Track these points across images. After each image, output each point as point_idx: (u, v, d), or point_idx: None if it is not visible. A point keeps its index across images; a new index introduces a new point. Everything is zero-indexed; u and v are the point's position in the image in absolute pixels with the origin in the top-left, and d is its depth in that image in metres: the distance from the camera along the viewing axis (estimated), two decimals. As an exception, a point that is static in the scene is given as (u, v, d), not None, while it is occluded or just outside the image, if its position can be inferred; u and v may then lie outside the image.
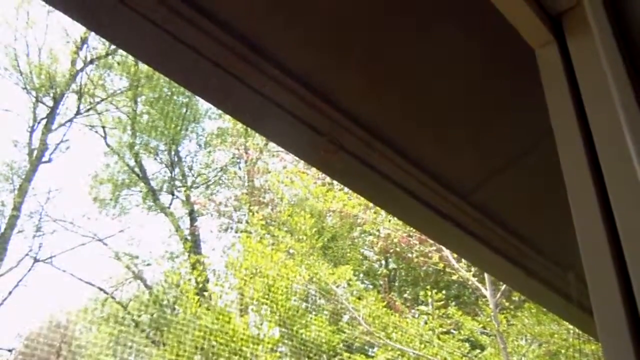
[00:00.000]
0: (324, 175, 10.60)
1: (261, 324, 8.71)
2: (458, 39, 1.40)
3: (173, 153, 13.73)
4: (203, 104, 13.86)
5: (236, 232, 12.18)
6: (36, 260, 11.31)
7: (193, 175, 14.02)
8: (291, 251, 9.37)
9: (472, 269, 9.11)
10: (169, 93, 13.34)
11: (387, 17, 1.37)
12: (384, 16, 1.36)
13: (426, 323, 9.35)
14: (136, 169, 13.42)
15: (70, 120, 12.64)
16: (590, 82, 0.85)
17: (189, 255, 11.22)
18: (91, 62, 12.95)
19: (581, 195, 0.81)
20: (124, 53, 12.90)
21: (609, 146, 0.81)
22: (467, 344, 9.09)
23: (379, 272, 12.05)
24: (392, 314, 8.93)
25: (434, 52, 1.46)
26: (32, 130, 12.19)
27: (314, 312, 9.11)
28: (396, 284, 12.40)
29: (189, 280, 9.44)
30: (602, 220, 0.78)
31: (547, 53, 0.94)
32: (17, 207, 11.22)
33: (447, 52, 1.46)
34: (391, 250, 10.72)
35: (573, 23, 0.92)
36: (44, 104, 12.44)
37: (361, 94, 1.53)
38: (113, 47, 12.75)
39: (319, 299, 9.27)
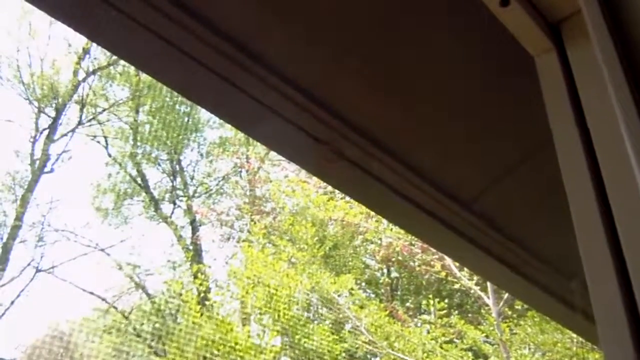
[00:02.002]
0: (325, 184, 10.59)
1: (263, 333, 8.68)
2: (458, 46, 1.40)
3: (175, 162, 13.73)
4: (204, 114, 13.88)
5: (238, 241, 12.16)
6: (38, 270, 11.30)
7: (194, 185, 14.02)
8: (293, 260, 9.35)
9: (475, 277, 9.08)
10: (171, 103, 13.36)
11: (387, 25, 1.37)
12: (383, 24, 1.36)
13: (429, 332, 9.30)
14: (138, 179, 13.43)
15: (72, 131, 12.67)
16: (590, 90, 0.85)
17: (190, 265, 11.20)
18: (93, 72, 12.99)
19: (582, 204, 0.81)
20: (126, 63, 12.96)
21: (609, 154, 0.80)
22: (470, 353, 9.04)
23: (381, 281, 12.00)
24: (394, 323, 8.89)
25: (434, 59, 1.46)
26: (34, 141, 12.22)
27: (315, 321, 9.08)
28: (398, 292, 12.35)
29: (191, 289, 9.41)
30: (604, 228, 0.78)
31: (546, 61, 0.93)
32: (19, 217, 11.23)
33: (447, 59, 1.46)
34: (393, 259, 10.69)
35: (572, 30, 0.91)
36: (46, 114, 12.48)
37: (361, 102, 1.53)
38: (115, 57, 12.81)
39: (321, 308, 9.24)
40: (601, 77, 0.83)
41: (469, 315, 10.42)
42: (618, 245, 0.76)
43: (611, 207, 0.79)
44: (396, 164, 1.63)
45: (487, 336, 8.99)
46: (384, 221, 9.91)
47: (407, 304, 11.57)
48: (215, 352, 7.80)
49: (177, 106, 13.38)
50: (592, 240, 0.78)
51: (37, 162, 11.95)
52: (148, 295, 11.77)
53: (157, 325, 10.05)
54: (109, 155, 13.40)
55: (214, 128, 14.21)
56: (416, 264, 10.27)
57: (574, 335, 7.74)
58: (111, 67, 13.05)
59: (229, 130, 13.77)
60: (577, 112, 0.86)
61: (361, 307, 8.96)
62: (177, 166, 13.81)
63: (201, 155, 14.21)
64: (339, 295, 8.91)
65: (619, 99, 0.79)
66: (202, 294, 9.29)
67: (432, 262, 9.76)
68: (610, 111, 0.79)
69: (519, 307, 9.09)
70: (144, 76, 12.86)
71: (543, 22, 0.94)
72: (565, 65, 0.91)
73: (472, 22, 1.33)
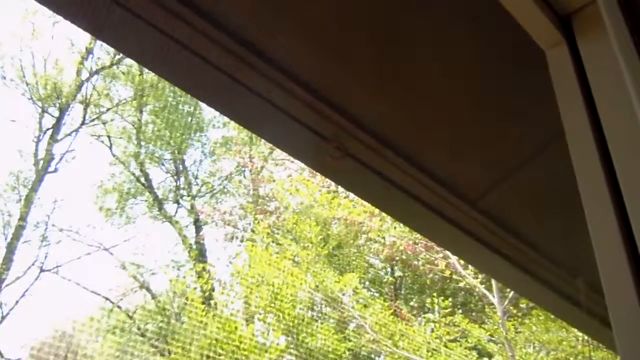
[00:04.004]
0: (329, 182, 10.58)
1: (267, 333, 8.67)
2: (465, 43, 1.39)
3: (178, 162, 13.74)
4: (208, 113, 13.89)
5: (241, 241, 12.16)
6: (42, 270, 11.32)
7: (198, 184, 14.03)
8: (297, 259, 9.34)
9: (479, 276, 9.06)
10: (174, 102, 13.37)
11: (392, 21, 1.36)
12: (389, 20, 1.36)
13: (433, 331, 9.29)
14: (141, 179, 13.44)
15: (76, 130, 12.69)
16: (603, 83, 0.83)
17: (194, 264, 11.20)
18: (96, 72, 13.01)
19: (595, 200, 0.79)
20: (129, 63, 12.97)
21: (624, 148, 0.78)
22: (474, 352, 9.02)
23: (385, 280, 11.99)
24: (398, 322, 8.88)
25: (440, 55, 1.45)
26: (38, 141, 12.24)
27: (320, 320, 9.07)
28: (402, 291, 12.33)
29: (195, 289, 9.41)
30: (618, 225, 0.76)
31: (557, 54, 0.92)
32: (23, 217, 11.25)
33: (453, 55, 1.45)
34: (397, 258, 10.68)
35: (583, 23, 0.90)
36: (49, 114, 12.50)
37: (367, 99, 1.52)
38: (118, 57, 12.82)
39: (325, 307, 9.24)
40: (615, 70, 0.81)
41: (473, 314, 10.40)
42: (633, 242, 0.75)
43: (626, 205, 0.77)
44: (402, 161, 1.62)
45: (491, 335, 8.96)
46: (388, 220, 9.89)
47: (411, 303, 11.56)
48: (220, 351, 7.80)
49: (180, 106, 13.39)
50: (606, 238, 0.77)
51: (41, 162, 11.97)
52: (152, 294, 11.78)
53: (161, 324, 10.06)
54: (113, 155, 13.42)
55: (217, 127, 14.23)
56: (420, 262, 10.26)
57: (579, 334, 7.72)
58: (114, 67, 13.07)
59: (232, 130, 13.78)
60: (589, 106, 0.85)
61: (365, 306, 8.95)
62: (181, 166, 13.82)
63: (204, 154, 14.23)
64: (343, 294, 8.90)
65: (637, 91, 0.77)
66: (206, 293, 9.30)
67: (436, 261, 9.74)
68: (626, 104, 0.78)
69: (524, 306, 9.07)
70: (147, 75, 12.87)
71: (553, 15, 0.93)
72: (576, 58, 0.90)
73: (481, 17, 1.32)
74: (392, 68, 1.47)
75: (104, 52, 13.04)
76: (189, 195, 13.58)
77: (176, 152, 13.49)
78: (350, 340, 8.89)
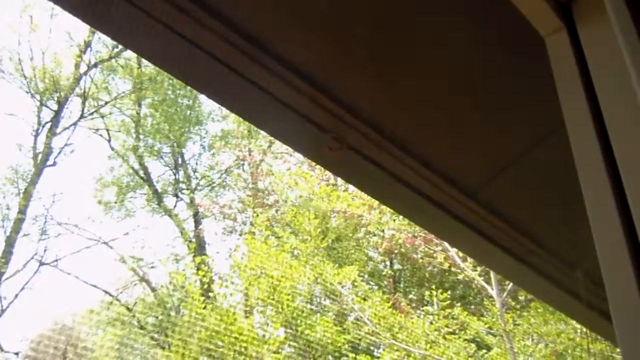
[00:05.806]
0: (328, 175, 10.58)
1: (266, 325, 8.69)
2: (465, 31, 1.38)
3: (177, 155, 13.74)
4: (207, 107, 13.88)
5: (240, 234, 12.17)
6: (42, 263, 11.33)
7: (197, 178, 14.04)
8: (296, 252, 9.35)
9: (478, 268, 9.07)
10: (173, 96, 13.36)
11: (390, 12, 1.35)
12: (387, 11, 1.35)
13: (432, 323, 9.30)
14: (140, 172, 13.44)
15: (75, 124, 12.68)
16: (603, 70, 0.82)
17: (193, 257, 11.21)
18: (95, 65, 12.98)
19: (596, 190, 0.78)
20: (127, 56, 12.93)
21: (625, 137, 0.77)
22: (473, 344, 9.04)
23: (384, 273, 12.00)
24: (397, 315, 8.89)
25: (440, 48, 1.44)
26: (36, 134, 12.23)
27: (319, 313, 9.09)
28: (401, 284, 12.35)
29: (194, 281, 9.43)
30: (619, 216, 0.75)
31: (556, 41, 0.91)
32: (22, 211, 11.25)
33: (453, 47, 1.44)
34: (396, 251, 10.69)
35: (584, 8, 0.89)
36: (48, 107, 12.48)
37: (366, 90, 1.51)
38: (117, 50, 12.79)
39: (324, 299, 9.25)
40: (617, 57, 0.80)
41: (472, 306, 10.42)
42: (634, 234, 0.74)
43: (627, 195, 0.76)
44: (400, 152, 1.61)
45: (490, 327, 8.98)
46: (387, 213, 9.90)
47: (410, 296, 11.58)
48: (219, 343, 7.82)
49: (179, 99, 13.38)
50: (607, 230, 0.76)
51: (40, 155, 11.95)
52: (151, 287, 11.80)
53: (160, 317, 10.09)
54: (112, 149, 13.42)
55: (216, 121, 14.22)
56: (419, 255, 10.27)
57: (578, 326, 7.75)
58: (113, 60, 13.04)
59: (231, 123, 13.77)
60: (590, 95, 0.83)
61: (364, 299, 8.96)
62: (180, 159, 13.81)
63: (203, 148, 14.22)
64: (342, 287, 8.91)
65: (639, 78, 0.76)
66: (205, 286, 9.31)
67: (435, 254, 9.75)
68: (628, 92, 0.76)
69: (522, 298, 9.09)
70: (146, 69, 12.84)
71: (553, 0, 0.91)
72: (576, 45, 0.89)
73: (478, 8, 1.31)
74: (392, 60, 1.46)
75: (102, 45, 13.01)
76: (188, 189, 13.58)
77: (175, 145, 13.48)
78: (349, 333, 8.91)
